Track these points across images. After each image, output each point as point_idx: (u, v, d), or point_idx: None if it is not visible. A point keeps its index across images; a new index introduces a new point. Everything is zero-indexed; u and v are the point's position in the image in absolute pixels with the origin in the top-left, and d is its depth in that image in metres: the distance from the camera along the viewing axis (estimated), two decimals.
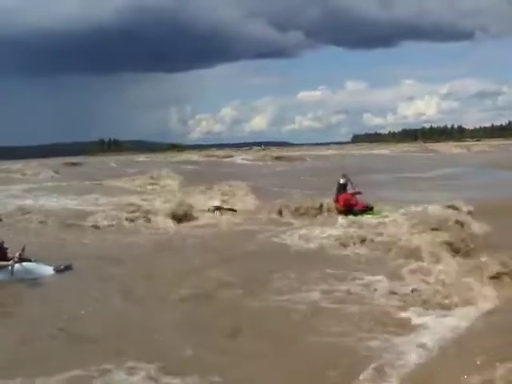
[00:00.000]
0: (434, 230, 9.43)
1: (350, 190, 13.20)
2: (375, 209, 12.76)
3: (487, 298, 6.23)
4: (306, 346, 5.31)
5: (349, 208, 12.75)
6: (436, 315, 5.90)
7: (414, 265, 7.90)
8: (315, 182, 21.76)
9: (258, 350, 5.25)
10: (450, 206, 11.73)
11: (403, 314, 5.98)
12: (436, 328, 5.50)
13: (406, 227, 10.06)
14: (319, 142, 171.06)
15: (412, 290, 6.70)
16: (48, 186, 25.24)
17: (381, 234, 10.00)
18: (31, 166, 43.41)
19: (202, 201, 15.76)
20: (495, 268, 6.91)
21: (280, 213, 13.55)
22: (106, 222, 12.93)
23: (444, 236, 8.98)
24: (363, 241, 9.77)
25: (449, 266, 7.62)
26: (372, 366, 4.58)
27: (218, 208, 14.84)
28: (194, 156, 63.77)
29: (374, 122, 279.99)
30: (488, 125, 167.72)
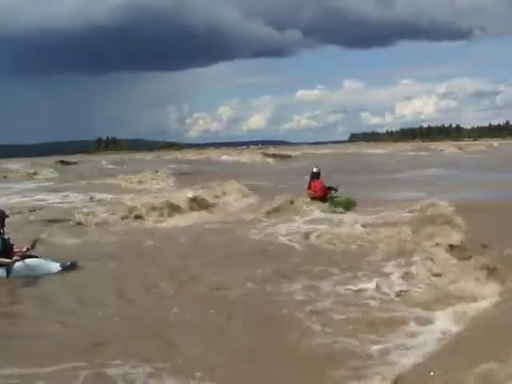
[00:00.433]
0: (420, 226, 9.31)
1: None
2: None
3: (484, 295, 6.13)
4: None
5: (323, 194, 13.21)
6: (429, 314, 5.73)
7: (402, 262, 7.68)
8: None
9: None
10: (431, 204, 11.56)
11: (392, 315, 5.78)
12: (430, 327, 5.36)
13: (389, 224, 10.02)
14: (317, 140, 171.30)
15: (401, 291, 6.54)
16: (38, 185, 25.34)
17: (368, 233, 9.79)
18: (26, 164, 43.38)
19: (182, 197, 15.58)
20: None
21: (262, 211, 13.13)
22: (88, 220, 12.92)
23: (434, 232, 8.73)
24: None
25: (442, 263, 7.47)
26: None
27: (193, 200, 14.50)
28: (188, 155, 63.69)
29: (372, 122, 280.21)
30: (486, 124, 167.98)
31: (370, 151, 61.26)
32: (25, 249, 8.00)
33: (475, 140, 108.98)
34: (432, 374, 3.87)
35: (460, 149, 63.17)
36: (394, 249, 8.50)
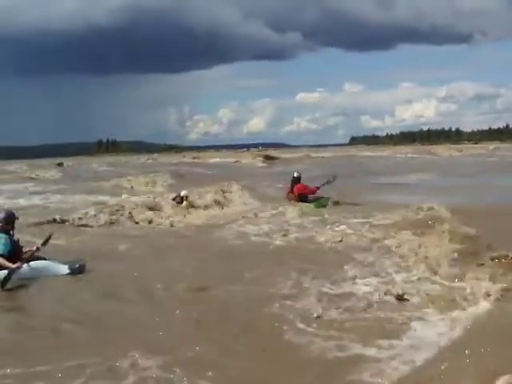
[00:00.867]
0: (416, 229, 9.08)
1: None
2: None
3: (486, 296, 5.97)
4: None
5: (303, 196, 13.93)
6: (435, 316, 5.61)
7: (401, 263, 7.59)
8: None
9: None
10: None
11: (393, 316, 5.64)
12: (431, 331, 5.22)
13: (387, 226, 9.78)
14: (317, 143, 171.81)
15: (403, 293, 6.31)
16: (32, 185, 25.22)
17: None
18: (21, 166, 43.52)
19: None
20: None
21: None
22: (79, 221, 12.78)
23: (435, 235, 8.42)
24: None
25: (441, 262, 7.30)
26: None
27: (182, 199, 14.28)
28: (184, 158, 63.86)
29: (372, 125, 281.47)
30: (486, 127, 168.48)
31: (368, 153, 61.40)
32: (34, 248, 7.75)
33: (475, 143, 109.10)
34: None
35: (460, 151, 63.39)
36: (390, 251, 8.36)
